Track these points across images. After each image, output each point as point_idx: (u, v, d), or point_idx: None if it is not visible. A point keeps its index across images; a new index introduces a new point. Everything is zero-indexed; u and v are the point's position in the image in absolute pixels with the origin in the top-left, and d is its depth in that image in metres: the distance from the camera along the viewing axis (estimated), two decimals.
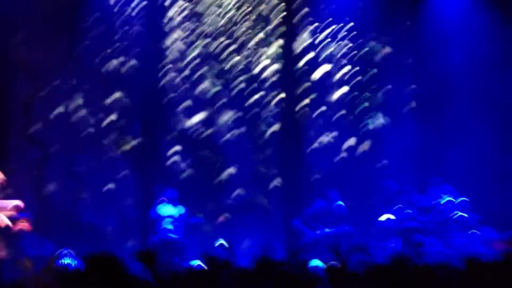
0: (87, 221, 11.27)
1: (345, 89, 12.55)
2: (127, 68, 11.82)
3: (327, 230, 10.21)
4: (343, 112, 12.52)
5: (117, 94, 11.72)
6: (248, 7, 12.44)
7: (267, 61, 12.47)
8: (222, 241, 5.92)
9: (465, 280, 3.98)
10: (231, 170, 12.08)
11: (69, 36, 11.49)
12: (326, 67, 12.59)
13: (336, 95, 12.59)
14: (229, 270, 5.51)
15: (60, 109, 11.38)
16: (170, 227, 10.28)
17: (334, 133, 12.43)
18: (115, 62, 11.77)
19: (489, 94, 11.68)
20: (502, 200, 10.97)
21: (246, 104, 12.35)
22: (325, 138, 12.46)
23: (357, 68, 12.56)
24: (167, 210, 10.40)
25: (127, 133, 11.75)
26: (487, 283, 3.57)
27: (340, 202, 10.21)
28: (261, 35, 12.49)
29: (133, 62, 11.82)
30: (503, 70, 11.59)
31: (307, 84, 12.48)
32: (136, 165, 11.63)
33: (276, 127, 12.31)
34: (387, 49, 12.67)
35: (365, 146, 12.46)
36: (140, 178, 11.48)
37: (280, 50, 12.45)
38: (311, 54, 12.54)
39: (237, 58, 12.36)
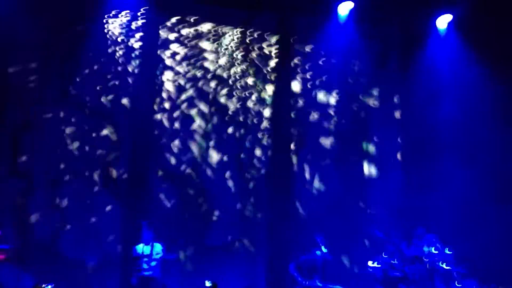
0: (67, 255, 11.06)
1: (332, 139, 12.72)
2: (117, 105, 11.88)
3: (319, 284, 10.12)
4: (330, 160, 12.65)
5: (106, 130, 11.75)
6: (241, 53, 12.69)
7: (258, 106, 12.64)
8: (208, 283, 5.85)
9: None
10: (217, 211, 12.03)
11: (62, 70, 11.59)
12: (315, 115, 12.78)
13: (325, 142, 12.74)
14: None
15: (48, 141, 11.34)
16: (148, 266, 10.11)
17: (321, 184, 12.51)
18: (106, 98, 11.85)
19: (473, 147, 11.86)
20: (486, 252, 11.00)
21: (235, 146, 12.43)
22: (312, 185, 12.53)
23: (345, 119, 12.76)
24: (147, 249, 10.24)
25: (114, 168, 11.70)
26: None
27: (324, 249, 10.15)
28: (252, 81, 12.70)
29: (124, 100, 11.90)
30: (487, 124, 11.81)
31: (295, 130, 12.61)
32: (120, 200, 11.52)
33: (263, 171, 12.36)
34: (376, 102, 12.92)
35: (352, 194, 12.55)
36: (124, 213, 11.35)
37: (270, 96, 12.62)
38: (301, 102, 12.74)
39: (228, 101, 12.52)
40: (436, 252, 10.76)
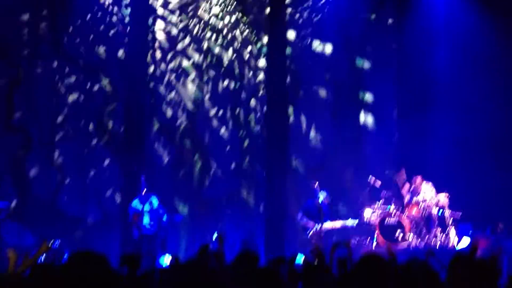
0: (67, 210, 11.16)
1: (327, 89, 12.62)
2: (111, 57, 11.71)
3: (329, 223, 10.26)
4: (327, 110, 12.60)
5: (101, 82, 11.62)
6: (233, 5, 12.41)
7: (252, 57, 12.48)
8: (215, 234, 6.04)
9: (440, 275, 4.03)
10: (214, 164, 12.07)
11: (54, 23, 11.36)
12: (310, 65, 12.63)
13: (321, 92, 12.65)
14: (221, 262, 5.57)
15: (42, 95, 11.24)
16: (150, 221, 10.28)
17: (318, 134, 12.50)
18: (99, 50, 11.67)
19: (470, 95, 11.76)
20: (481, 197, 11.12)
21: (230, 98, 12.35)
22: (309, 136, 12.53)
23: (341, 69, 12.62)
24: (148, 204, 10.36)
25: (110, 121, 11.65)
26: (464, 278, 3.62)
27: (323, 192, 10.28)
28: (246, 30, 12.47)
29: (117, 51, 11.71)
30: (484, 74, 11.68)
31: (291, 81, 12.49)
32: (118, 154, 11.53)
33: (260, 123, 12.32)
34: (372, 51, 12.74)
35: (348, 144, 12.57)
36: (122, 167, 11.37)
37: (265, 46, 12.44)
38: (296, 52, 12.57)
39: (223, 52, 12.34)
40: (431, 197, 10.87)
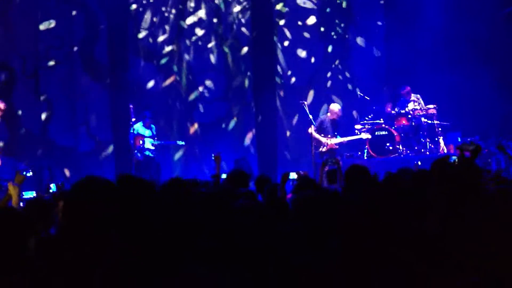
0: (58, 142, 11.19)
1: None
2: None
3: (340, 139, 10.33)
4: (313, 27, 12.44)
5: (82, 8, 11.32)
6: None
7: None
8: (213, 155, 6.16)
9: (429, 182, 4.11)
10: (202, 87, 12.00)
11: None
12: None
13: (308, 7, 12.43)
14: (217, 182, 5.72)
15: (21, 26, 10.96)
16: (150, 146, 10.53)
17: (305, 52, 12.37)
18: None
19: (456, 12, 11.54)
20: (469, 107, 11.21)
21: (216, 18, 12.11)
22: (296, 54, 12.42)
23: None
24: (144, 130, 10.57)
25: (94, 53, 11.46)
26: (451, 184, 3.71)
27: (311, 116, 10.28)
28: None
29: None
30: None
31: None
32: (104, 83, 11.43)
33: (246, 41, 12.15)
34: None
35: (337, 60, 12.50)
36: (110, 97, 11.30)
37: None
38: None
39: None
40: (420, 108, 10.95)
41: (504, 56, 11.38)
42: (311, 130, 9.99)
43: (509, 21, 11.20)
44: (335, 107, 10.51)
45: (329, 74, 12.46)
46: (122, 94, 11.02)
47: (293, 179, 5.57)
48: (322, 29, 12.45)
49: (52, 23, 11.17)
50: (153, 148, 10.57)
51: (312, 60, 12.45)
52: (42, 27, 11.14)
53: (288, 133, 12.16)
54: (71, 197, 2.51)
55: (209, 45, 12.07)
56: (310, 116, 10.02)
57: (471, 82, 11.18)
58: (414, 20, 11.91)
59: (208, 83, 12.04)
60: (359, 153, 10.94)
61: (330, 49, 12.46)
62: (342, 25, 12.57)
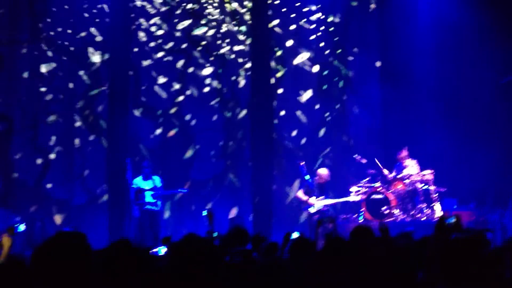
0: (53, 195, 11.11)
1: (313, 66, 12.64)
2: (92, 43, 11.60)
3: (329, 200, 10.33)
4: (312, 88, 12.64)
5: (81, 68, 11.52)
6: None
7: (236, 37, 12.43)
8: (205, 212, 6.03)
9: (423, 249, 4.07)
10: (200, 146, 12.06)
11: (33, 8, 11.22)
12: (294, 43, 12.63)
13: (306, 68, 12.67)
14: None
15: (23, 81, 11.12)
16: (150, 199, 10.30)
17: (302, 113, 12.53)
18: (82, 33, 11.56)
19: (454, 73, 11.81)
20: (465, 174, 11.23)
21: (215, 80, 12.31)
22: (295, 113, 12.56)
23: (324, 46, 12.63)
24: (145, 182, 10.33)
25: (95, 108, 11.58)
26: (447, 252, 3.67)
27: (307, 176, 10.29)
28: (229, 9, 12.41)
29: (98, 37, 11.61)
30: (466, 52, 11.71)
31: (275, 62, 12.48)
32: (102, 138, 11.48)
33: (245, 104, 12.31)
34: (354, 29, 12.74)
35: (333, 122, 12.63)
36: (107, 151, 11.33)
37: (248, 25, 12.38)
38: (280, 31, 12.55)
39: (207, 36, 12.29)
40: (416, 173, 10.96)
41: (502, 124, 11.49)
42: (299, 193, 10.30)
43: (507, 90, 11.40)
44: (323, 171, 10.57)
45: (325, 136, 12.56)
46: (120, 148, 11.06)
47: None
48: (321, 88, 12.65)
49: (57, 79, 11.34)
50: (153, 200, 10.29)
51: (310, 122, 12.58)
52: (45, 82, 11.29)
53: (287, 192, 12.13)
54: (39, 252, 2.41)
55: (209, 104, 12.22)
56: (307, 177, 10.03)
57: (468, 149, 11.28)
58: (411, 86, 12.14)
59: (206, 140, 12.10)
60: (355, 215, 10.87)
61: (327, 114, 12.61)
62: (340, 83, 12.77)
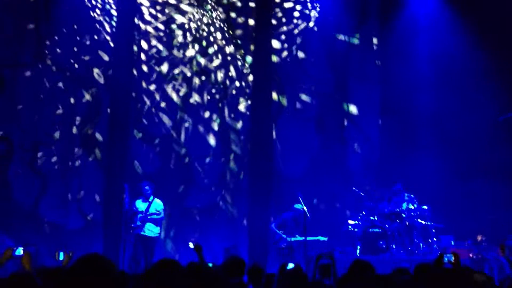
0: (49, 219, 11.05)
1: (312, 99, 12.71)
2: (95, 67, 11.69)
3: (299, 238, 10.27)
4: (311, 121, 12.69)
5: (84, 92, 11.58)
6: (220, 16, 12.49)
7: (238, 69, 12.54)
8: (191, 244, 5.80)
9: (420, 286, 4.05)
10: (198, 173, 12.04)
11: (37, 30, 11.33)
12: (295, 76, 12.73)
13: (306, 101, 12.74)
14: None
15: (25, 103, 11.17)
16: (138, 223, 9.91)
17: (300, 145, 12.56)
18: (85, 59, 11.64)
19: (452, 112, 11.89)
20: (461, 209, 11.22)
21: (216, 109, 12.37)
22: (294, 147, 12.58)
23: (325, 80, 12.74)
24: (142, 205, 10.04)
25: (94, 133, 11.60)
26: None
27: (305, 207, 10.24)
28: (232, 43, 12.54)
29: (104, 60, 11.69)
30: (465, 89, 11.81)
31: (276, 93, 12.56)
32: (101, 163, 11.47)
33: (244, 134, 12.34)
34: (356, 63, 12.87)
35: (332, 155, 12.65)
36: (105, 176, 11.30)
37: (250, 59, 12.49)
38: (281, 63, 12.68)
39: (209, 64, 12.39)
40: (414, 208, 10.94)
41: (500, 161, 11.51)
42: (273, 225, 10.34)
43: (505, 127, 11.45)
44: (298, 206, 10.49)
45: (324, 168, 12.56)
46: (117, 173, 11.03)
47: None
48: (321, 120, 12.71)
49: (58, 104, 11.38)
50: (139, 224, 9.84)
51: (309, 154, 12.60)
52: (47, 106, 11.32)
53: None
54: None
55: (208, 132, 12.25)
56: (304, 207, 10.00)
57: (466, 185, 11.29)
58: (410, 120, 12.22)
59: (204, 168, 12.09)
60: (351, 249, 10.82)
61: (327, 147, 12.64)
62: (340, 116, 12.81)
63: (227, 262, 5.24)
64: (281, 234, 10.20)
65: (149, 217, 9.97)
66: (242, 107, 12.50)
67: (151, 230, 9.99)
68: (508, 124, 11.28)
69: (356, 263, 4.58)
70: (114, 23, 11.70)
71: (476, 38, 11.58)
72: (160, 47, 12.22)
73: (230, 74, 12.51)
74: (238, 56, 12.55)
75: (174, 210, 11.71)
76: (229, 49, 12.54)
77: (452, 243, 10.78)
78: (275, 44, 12.65)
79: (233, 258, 5.17)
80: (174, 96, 12.21)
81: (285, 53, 12.76)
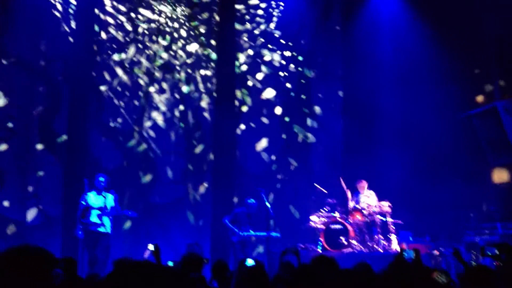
0: (7, 215, 10.77)
1: (276, 97, 12.75)
2: (54, 60, 11.43)
3: (252, 232, 10.32)
4: (275, 120, 12.74)
5: (43, 86, 11.31)
6: (183, 12, 12.40)
7: (202, 64, 12.47)
8: (151, 246, 5.64)
9: (381, 281, 4.11)
10: (161, 170, 11.94)
11: None
12: (259, 77, 12.75)
13: (269, 100, 12.77)
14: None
15: None
16: (96, 220, 9.36)
17: (264, 140, 12.59)
18: (44, 50, 11.37)
19: (413, 107, 12.09)
20: (421, 206, 11.44)
21: (178, 105, 12.28)
22: (257, 143, 12.60)
23: (289, 82, 12.79)
24: (97, 199, 9.44)
25: (53, 127, 11.35)
26: (401, 284, 3.73)
27: (268, 204, 10.29)
28: (195, 39, 12.46)
29: (64, 52, 11.44)
30: (426, 86, 12.03)
31: (240, 91, 12.55)
32: (61, 158, 11.24)
33: (208, 129, 12.29)
34: (318, 64, 12.97)
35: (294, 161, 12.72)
36: (65, 172, 11.08)
37: (214, 55, 12.45)
38: (245, 63, 12.67)
39: (171, 58, 12.28)
40: (375, 204, 11.10)
41: (459, 159, 11.76)
42: (226, 220, 10.32)
43: (466, 125, 11.69)
44: (251, 201, 10.54)
45: (287, 164, 12.62)
46: (77, 169, 10.82)
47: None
48: (284, 116, 12.77)
49: (15, 97, 11.06)
50: (99, 222, 9.28)
51: (272, 149, 12.65)
52: (3, 99, 11.03)
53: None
54: None
55: (171, 127, 12.15)
56: (267, 204, 10.04)
57: (425, 183, 11.51)
58: (372, 118, 12.39)
59: (167, 164, 12.00)
60: (313, 245, 10.91)
61: (290, 142, 12.70)
62: (304, 110, 12.89)
63: (183, 259, 5.21)
64: (233, 229, 10.22)
65: (109, 214, 9.48)
66: (205, 103, 12.44)
67: (106, 226, 9.47)
68: (469, 122, 11.54)
69: (320, 258, 4.61)
70: (73, 13, 11.44)
71: (438, 36, 11.82)
72: (122, 40, 12.03)
73: (193, 69, 12.44)
74: (202, 52, 12.48)
75: (137, 206, 11.57)
76: (193, 44, 12.46)
77: (411, 239, 10.98)
78: (239, 41, 12.64)
79: (189, 255, 5.16)
80: (136, 90, 12.05)
81: (249, 50, 12.75)
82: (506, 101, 11.01)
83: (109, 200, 9.53)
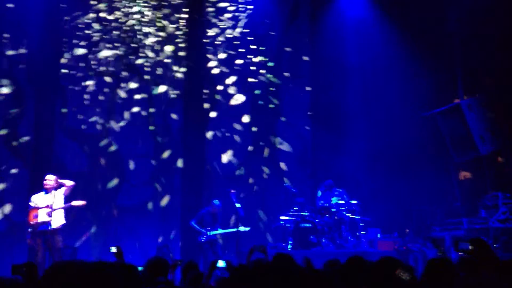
0: None
1: (244, 97, 12.76)
2: (17, 59, 11.21)
3: (220, 231, 10.33)
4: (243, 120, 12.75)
5: (6, 88, 11.09)
6: (152, 12, 12.32)
7: (170, 65, 12.40)
8: (114, 248, 5.46)
9: (349, 278, 4.15)
10: (129, 172, 11.83)
11: None
12: (227, 77, 12.74)
13: (237, 102, 12.77)
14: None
15: None
16: (45, 218, 8.57)
17: (234, 141, 12.59)
18: (5, 48, 11.14)
19: (380, 109, 12.25)
20: (388, 203, 11.60)
21: (146, 105, 12.18)
22: (226, 144, 12.59)
23: (256, 83, 12.81)
24: (46, 197, 8.75)
25: (18, 129, 11.14)
26: (369, 280, 3.77)
27: (238, 204, 10.30)
28: (164, 40, 12.39)
29: (25, 54, 11.22)
30: (392, 85, 12.21)
31: (208, 91, 12.52)
32: (26, 162, 11.03)
33: (176, 131, 12.21)
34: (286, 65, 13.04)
35: (265, 152, 12.75)
36: (31, 176, 10.88)
37: (184, 55, 12.40)
38: (213, 64, 12.64)
39: (140, 59, 12.19)
40: (343, 202, 11.21)
41: (423, 156, 11.96)
42: (192, 222, 10.33)
43: (429, 124, 11.89)
44: (216, 203, 10.54)
45: (256, 164, 12.64)
46: (43, 172, 10.61)
47: (222, 267, 5.45)
48: (254, 116, 12.78)
49: None
50: (48, 219, 8.44)
51: (242, 150, 12.65)
52: None
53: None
54: None
55: (139, 130, 12.05)
56: (237, 205, 10.05)
57: (392, 180, 11.68)
58: (340, 117, 12.51)
59: (135, 166, 11.89)
60: (283, 244, 10.96)
61: (259, 143, 12.73)
62: (271, 108, 12.90)
63: (148, 263, 5.16)
64: (200, 230, 10.23)
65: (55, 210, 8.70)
66: (174, 104, 12.37)
67: (57, 220, 8.74)
68: (433, 120, 11.75)
69: (279, 256, 4.64)
70: (38, 13, 11.24)
71: (402, 36, 12.00)
72: (89, 40, 11.87)
73: (162, 70, 12.35)
74: (170, 53, 12.41)
75: (105, 209, 11.44)
76: (162, 45, 12.37)
77: (379, 235, 11.12)
78: (208, 40, 12.62)
79: (155, 258, 5.12)
80: (103, 91, 11.91)
81: (218, 51, 12.73)
82: (470, 99, 11.24)
83: (58, 196, 8.86)
